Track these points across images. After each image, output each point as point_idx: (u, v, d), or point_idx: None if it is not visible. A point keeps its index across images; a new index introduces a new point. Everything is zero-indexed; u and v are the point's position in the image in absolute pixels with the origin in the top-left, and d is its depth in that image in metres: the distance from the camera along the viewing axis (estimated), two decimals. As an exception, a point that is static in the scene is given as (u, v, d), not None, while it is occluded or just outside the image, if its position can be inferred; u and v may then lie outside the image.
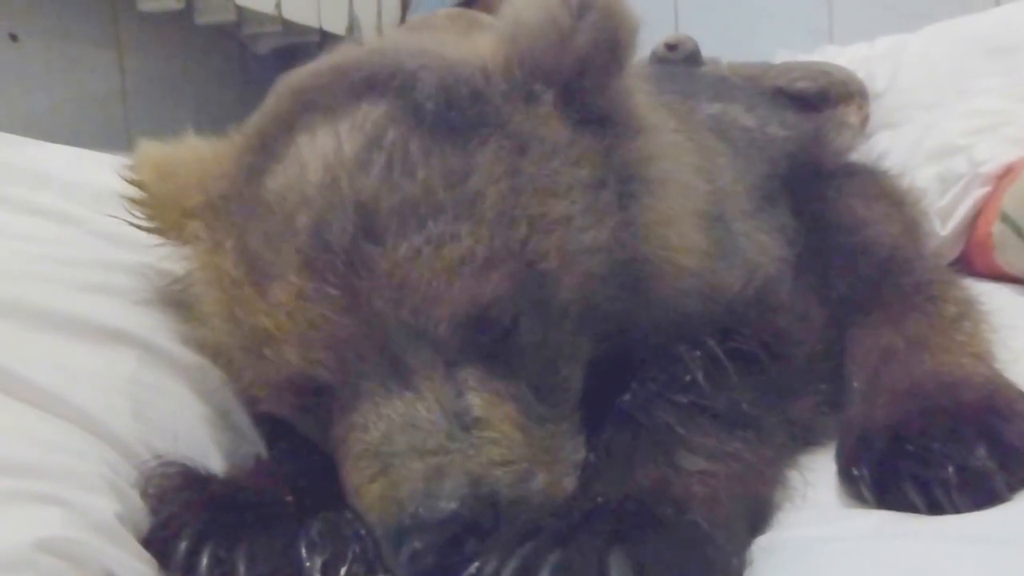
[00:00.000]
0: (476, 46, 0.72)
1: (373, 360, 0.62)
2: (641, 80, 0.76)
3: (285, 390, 0.67)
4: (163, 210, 0.75)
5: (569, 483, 0.64)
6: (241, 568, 0.60)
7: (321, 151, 0.65)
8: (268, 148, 0.68)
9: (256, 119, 0.74)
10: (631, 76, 0.73)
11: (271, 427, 0.75)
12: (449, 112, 0.65)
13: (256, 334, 0.65)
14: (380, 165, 0.63)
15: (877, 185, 1.09)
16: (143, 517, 0.63)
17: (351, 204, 0.62)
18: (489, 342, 0.63)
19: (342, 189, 0.63)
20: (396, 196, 0.62)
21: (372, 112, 0.66)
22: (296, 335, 0.63)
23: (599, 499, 0.60)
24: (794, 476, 0.71)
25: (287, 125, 0.68)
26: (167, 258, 0.78)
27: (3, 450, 0.57)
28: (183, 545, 0.60)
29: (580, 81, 0.69)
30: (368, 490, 0.62)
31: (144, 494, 0.64)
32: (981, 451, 0.63)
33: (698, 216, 0.76)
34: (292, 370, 0.64)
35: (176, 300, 0.79)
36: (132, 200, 0.77)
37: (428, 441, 0.60)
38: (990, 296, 0.92)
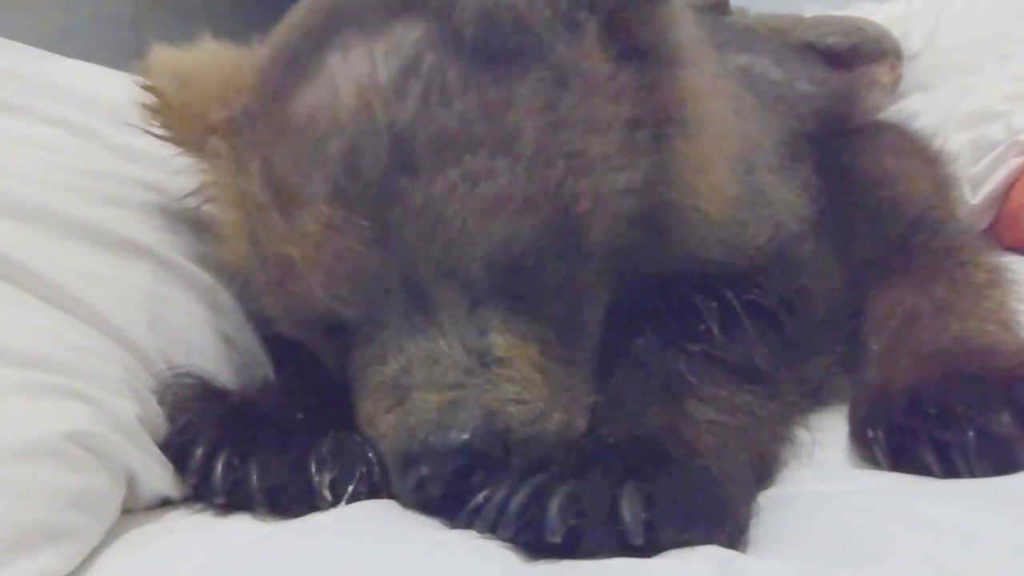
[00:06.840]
0: None
1: (398, 294, 0.61)
2: (685, 9, 0.73)
3: (307, 324, 0.66)
4: (181, 120, 0.72)
5: (582, 424, 0.63)
6: (254, 477, 0.60)
7: (355, 74, 0.62)
8: (297, 65, 0.66)
9: (283, 32, 0.71)
10: (676, 5, 0.70)
11: (280, 351, 0.74)
12: (489, 40, 0.63)
13: (280, 262, 0.63)
14: (416, 94, 0.61)
15: (908, 141, 1.06)
16: (160, 423, 0.64)
17: (385, 133, 0.60)
18: (516, 283, 0.62)
19: (376, 117, 0.61)
20: (432, 127, 0.60)
21: (409, 34, 0.63)
22: (322, 267, 0.62)
23: (609, 439, 0.60)
24: (803, 434, 0.70)
25: (317, 41, 0.66)
26: (182, 171, 0.76)
27: (34, 346, 0.58)
28: (199, 452, 0.61)
29: (625, 9, 0.67)
30: (383, 419, 0.62)
31: (162, 401, 0.64)
32: (1005, 417, 0.62)
33: (732, 163, 0.74)
34: (316, 306, 0.63)
35: (191, 217, 0.78)
36: (147, 107, 0.74)
37: (447, 376, 0.60)
38: (1017, 268, 0.90)
